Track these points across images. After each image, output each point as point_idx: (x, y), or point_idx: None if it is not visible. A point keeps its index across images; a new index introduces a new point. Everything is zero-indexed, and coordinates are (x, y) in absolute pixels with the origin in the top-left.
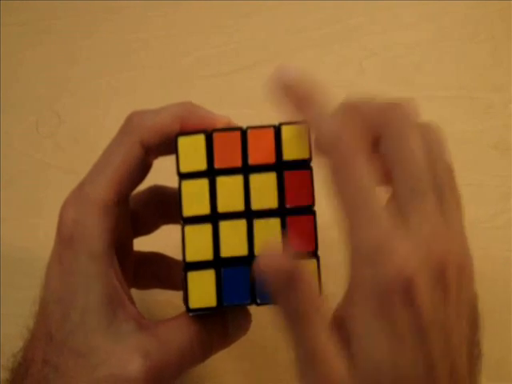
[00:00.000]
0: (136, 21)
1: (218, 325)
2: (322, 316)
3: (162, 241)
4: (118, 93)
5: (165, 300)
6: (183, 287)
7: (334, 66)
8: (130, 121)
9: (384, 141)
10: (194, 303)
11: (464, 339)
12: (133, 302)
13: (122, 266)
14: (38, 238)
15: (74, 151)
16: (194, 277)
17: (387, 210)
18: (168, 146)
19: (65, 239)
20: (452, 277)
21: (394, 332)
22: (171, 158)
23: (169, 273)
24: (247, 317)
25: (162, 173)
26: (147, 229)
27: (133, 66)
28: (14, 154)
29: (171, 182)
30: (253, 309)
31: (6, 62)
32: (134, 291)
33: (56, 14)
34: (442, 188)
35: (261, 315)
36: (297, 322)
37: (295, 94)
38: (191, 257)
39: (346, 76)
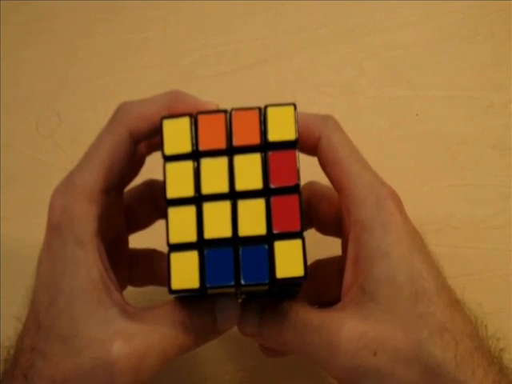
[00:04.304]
0: (136, 21)
1: (205, 314)
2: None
3: (157, 237)
4: (118, 93)
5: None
6: (167, 269)
7: (334, 66)
8: (118, 110)
9: None
10: (177, 284)
11: None
12: (118, 289)
13: (116, 262)
14: (39, 237)
15: (74, 151)
16: (177, 258)
17: None
18: (158, 136)
19: (53, 226)
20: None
21: None
22: None
23: (164, 269)
24: (236, 307)
25: (156, 168)
26: (142, 223)
27: (133, 66)
28: (14, 154)
29: None
30: None
31: (6, 62)
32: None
33: (56, 14)
34: None
35: None
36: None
37: None
38: (175, 238)
39: (346, 76)
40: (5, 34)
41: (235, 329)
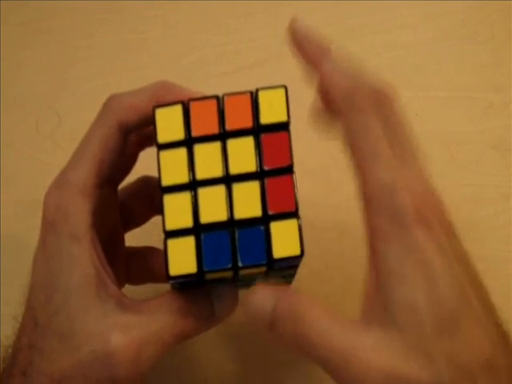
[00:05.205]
0: (136, 21)
1: (203, 302)
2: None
3: (153, 235)
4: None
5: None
6: (164, 255)
7: None
8: (107, 103)
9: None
10: (174, 270)
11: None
12: (114, 282)
13: (113, 260)
14: (38, 237)
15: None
16: (174, 244)
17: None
18: (147, 127)
19: (48, 224)
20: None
21: (426, 262)
22: None
23: (162, 266)
24: (233, 294)
25: (151, 166)
26: (138, 220)
27: (133, 66)
28: (14, 154)
29: None
30: None
31: (6, 62)
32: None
33: (56, 14)
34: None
35: None
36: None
37: (308, 47)
38: (171, 225)
39: None
40: (5, 34)
41: (236, 329)
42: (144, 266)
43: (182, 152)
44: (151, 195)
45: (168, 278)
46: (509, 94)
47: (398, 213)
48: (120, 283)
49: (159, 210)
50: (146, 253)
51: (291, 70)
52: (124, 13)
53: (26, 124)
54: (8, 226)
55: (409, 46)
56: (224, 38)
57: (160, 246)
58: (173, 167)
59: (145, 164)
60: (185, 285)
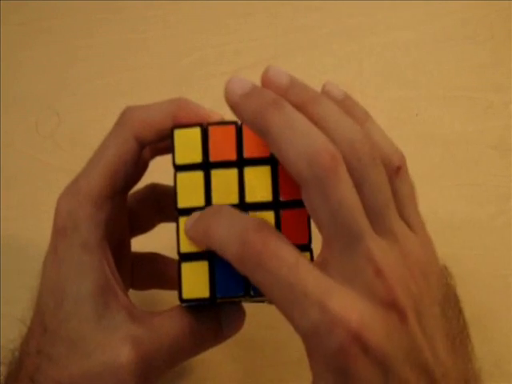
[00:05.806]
0: (136, 21)
1: (211, 319)
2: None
3: (160, 241)
4: (117, 93)
5: (164, 301)
6: (177, 278)
7: (334, 66)
8: (124, 115)
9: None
10: (187, 294)
11: (440, 336)
12: (125, 292)
13: (119, 266)
14: (39, 237)
15: (74, 151)
16: (187, 267)
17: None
18: (162, 142)
19: (59, 230)
20: (408, 299)
21: None
22: (168, 158)
23: (167, 272)
24: (241, 314)
25: (159, 172)
26: (144, 227)
27: (133, 66)
28: (14, 154)
29: (168, 181)
30: (253, 310)
31: (6, 62)
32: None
33: (56, 14)
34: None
35: (260, 316)
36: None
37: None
38: (185, 248)
39: (346, 76)
40: (5, 34)
41: None
42: (149, 271)
43: (199, 175)
44: (158, 202)
45: (181, 301)
46: (509, 94)
47: (331, 356)
48: (125, 288)
49: (166, 218)
50: (151, 259)
51: (291, 70)
52: (124, 13)
53: (25, 124)
54: (8, 226)
55: (409, 45)
56: (224, 37)
57: (164, 252)
58: (189, 190)
59: (152, 170)
60: (195, 305)
